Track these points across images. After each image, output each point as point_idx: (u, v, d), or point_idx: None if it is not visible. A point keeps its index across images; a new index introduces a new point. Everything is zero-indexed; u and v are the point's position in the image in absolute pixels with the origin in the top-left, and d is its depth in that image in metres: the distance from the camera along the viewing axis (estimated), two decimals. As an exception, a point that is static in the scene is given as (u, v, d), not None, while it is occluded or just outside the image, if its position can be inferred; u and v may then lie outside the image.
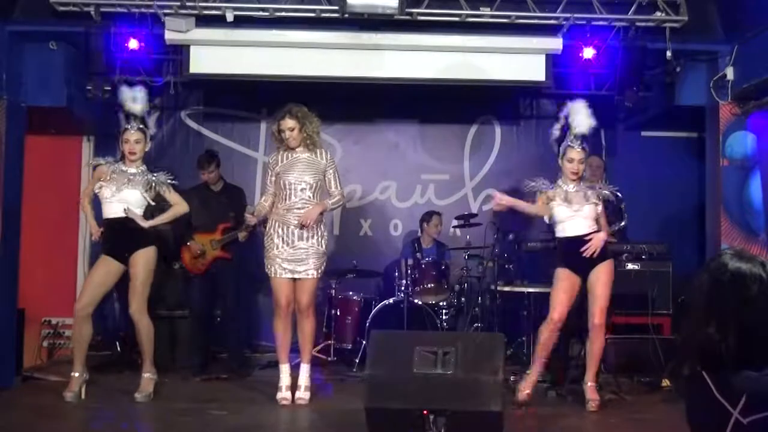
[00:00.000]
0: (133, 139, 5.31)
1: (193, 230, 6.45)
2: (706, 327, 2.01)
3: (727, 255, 2.08)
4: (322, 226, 5.43)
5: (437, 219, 7.37)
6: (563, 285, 5.24)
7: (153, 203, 5.39)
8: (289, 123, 5.33)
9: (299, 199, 5.32)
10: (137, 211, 5.29)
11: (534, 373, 5.31)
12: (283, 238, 5.33)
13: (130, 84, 5.68)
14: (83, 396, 5.32)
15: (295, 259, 5.31)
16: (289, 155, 5.40)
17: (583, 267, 5.23)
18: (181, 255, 6.52)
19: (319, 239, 5.37)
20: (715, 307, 2.02)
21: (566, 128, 5.30)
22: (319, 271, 5.40)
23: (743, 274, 2.01)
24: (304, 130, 5.35)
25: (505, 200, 5.40)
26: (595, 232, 5.24)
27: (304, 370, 5.39)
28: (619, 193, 5.51)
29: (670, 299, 6.50)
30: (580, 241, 5.21)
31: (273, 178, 5.43)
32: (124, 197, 5.26)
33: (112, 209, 5.28)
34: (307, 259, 5.31)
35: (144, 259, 5.30)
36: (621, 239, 5.93)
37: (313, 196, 5.37)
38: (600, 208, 5.31)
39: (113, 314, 7.09)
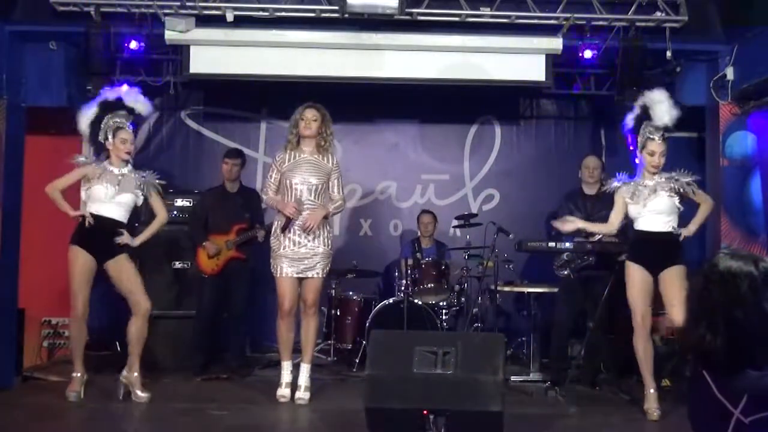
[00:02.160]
0: (129, 138, 5.32)
1: (208, 231, 6.45)
2: (698, 327, 2.01)
3: (721, 255, 2.08)
4: (328, 226, 5.44)
5: (426, 217, 7.36)
6: (637, 285, 5.02)
7: (140, 203, 5.41)
8: (313, 113, 5.39)
9: (304, 199, 5.33)
10: (126, 213, 5.32)
11: (651, 386, 5.02)
12: (289, 238, 5.33)
13: (111, 85, 5.69)
14: (83, 395, 5.31)
15: (301, 259, 5.32)
16: (297, 155, 5.41)
17: (653, 265, 5.03)
18: (196, 255, 6.50)
19: (326, 239, 5.39)
20: (705, 306, 2.02)
21: (644, 117, 5.12)
22: (326, 271, 5.43)
23: (733, 272, 2.01)
24: (323, 128, 5.41)
25: (576, 223, 5.22)
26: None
27: (305, 370, 5.39)
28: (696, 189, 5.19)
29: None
30: (652, 237, 5.04)
31: (277, 176, 5.44)
32: (121, 200, 5.26)
33: (106, 209, 5.25)
34: (314, 259, 5.33)
35: (125, 265, 5.28)
36: (622, 239, 5.91)
37: (317, 197, 5.37)
38: (677, 200, 5.06)
39: (113, 315, 7.07)
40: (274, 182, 5.46)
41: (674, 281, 4.93)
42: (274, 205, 5.50)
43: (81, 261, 5.26)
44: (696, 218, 5.17)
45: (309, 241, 5.32)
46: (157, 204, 5.45)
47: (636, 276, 5.05)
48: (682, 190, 5.07)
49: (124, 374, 5.32)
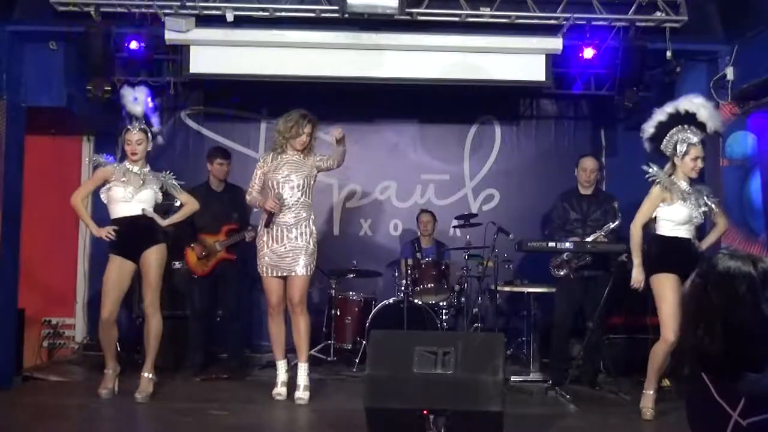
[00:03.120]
0: (134, 139, 5.34)
1: (197, 231, 6.45)
2: (696, 329, 2.00)
3: (719, 256, 2.08)
4: (311, 224, 5.43)
5: (426, 216, 7.36)
6: (673, 302, 4.69)
7: (161, 200, 5.46)
8: (309, 128, 5.42)
9: (288, 197, 5.34)
10: (148, 209, 5.36)
11: (651, 388, 4.95)
12: (272, 237, 5.35)
13: (131, 84, 5.69)
14: (116, 390, 5.36)
15: (284, 257, 5.33)
16: (279, 158, 5.45)
17: (688, 269, 4.85)
18: (185, 256, 6.50)
19: (309, 237, 5.38)
20: (703, 308, 2.02)
21: (673, 123, 4.94)
22: (309, 269, 5.38)
23: (732, 273, 2.00)
24: (312, 138, 5.49)
25: (637, 277, 4.95)
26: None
27: (303, 369, 5.38)
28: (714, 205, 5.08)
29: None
30: (683, 244, 4.88)
31: (262, 177, 5.49)
32: (142, 197, 5.31)
33: (127, 209, 5.31)
34: (297, 258, 5.33)
35: (156, 256, 5.35)
36: (616, 239, 5.92)
37: (302, 195, 5.39)
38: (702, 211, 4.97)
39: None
40: (258, 182, 5.51)
41: None
42: (255, 203, 5.55)
43: (111, 267, 5.34)
44: (709, 237, 5.18)
45: (290, 240, 5.33)
46: (183, 196, 5.58)
47: (670, 290, 4.77)
48: (708, 208, 5.01)
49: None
